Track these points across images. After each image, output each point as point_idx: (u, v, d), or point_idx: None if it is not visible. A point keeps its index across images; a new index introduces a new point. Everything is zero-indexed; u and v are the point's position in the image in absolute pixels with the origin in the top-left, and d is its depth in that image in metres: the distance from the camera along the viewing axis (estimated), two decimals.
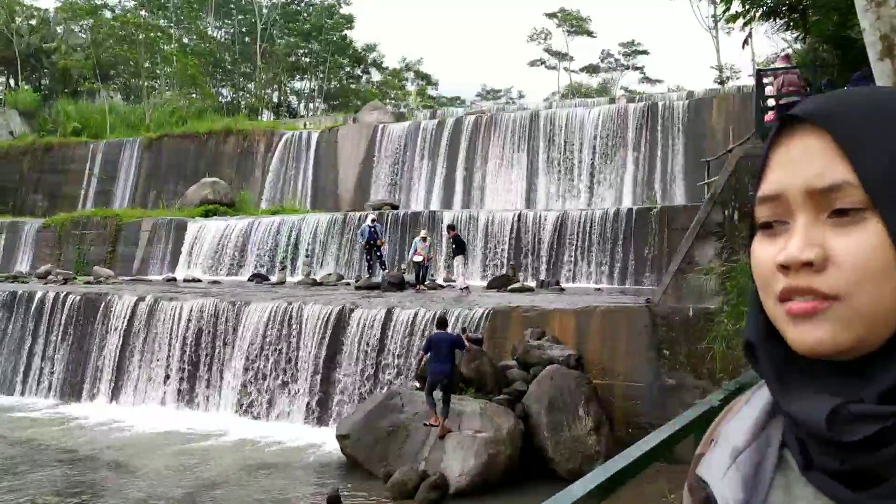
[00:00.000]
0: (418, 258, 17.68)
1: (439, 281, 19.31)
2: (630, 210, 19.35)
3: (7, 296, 17.35)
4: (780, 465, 0.77)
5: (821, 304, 0.70)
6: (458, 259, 17.59)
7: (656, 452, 2.20)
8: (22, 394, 16.07)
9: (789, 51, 22.89)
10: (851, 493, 0.69)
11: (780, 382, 0.75)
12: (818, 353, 0.70)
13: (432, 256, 19.38)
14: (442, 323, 10.99)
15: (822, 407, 0.69)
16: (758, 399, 0.82)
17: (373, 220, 19.43)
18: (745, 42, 10.89)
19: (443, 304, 13.83)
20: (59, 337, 16.26)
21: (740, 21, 9.91)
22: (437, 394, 10.43)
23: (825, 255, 0.70)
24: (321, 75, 55.91)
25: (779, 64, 16.77)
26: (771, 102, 12.73)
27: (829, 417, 0.68)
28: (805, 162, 0.72)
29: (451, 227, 18.06)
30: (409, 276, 18.34)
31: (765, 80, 13.13)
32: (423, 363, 10.91)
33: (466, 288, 17.02)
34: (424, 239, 18.05)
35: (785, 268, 0.71)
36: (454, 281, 19.32)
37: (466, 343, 11.07)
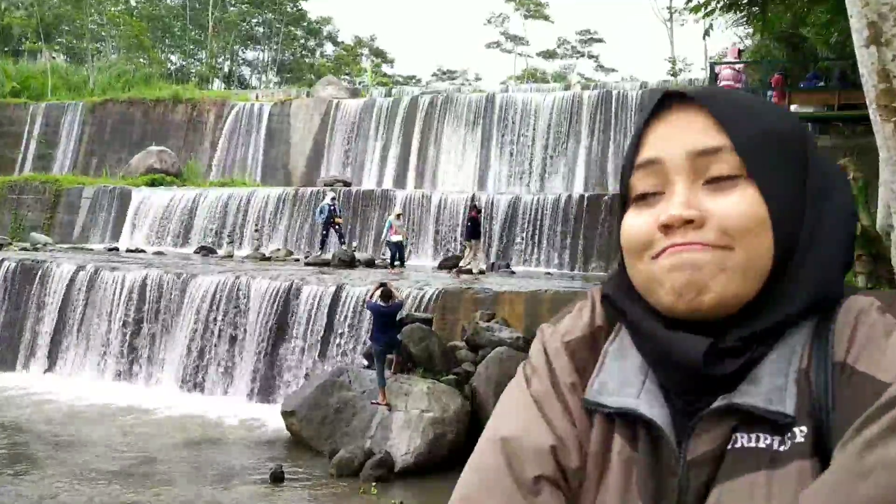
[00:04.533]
0: (396, 237, 16.95)
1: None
2: (581, 196, 19.52)
3: None
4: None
5: (703, 247, 0.74)
6: (475, 242, 16.56)
7: None
8: None
9: (741, 45, 23.34)
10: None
11: (650, 328, 0.79)
12: (696, 304, 0.74)
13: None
14: (386, 296, 10.79)
15: (698, 344, 0.73)
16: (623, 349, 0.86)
17: (332, 199, 19.11)
18: (706, 33, 11.04)
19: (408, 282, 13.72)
20: None
21: (700, 12, 10.00)
22: (388, 372, 10.41)
23: (704, 217, 0.75)
24: (275, 46, 54.82)
25: (730, 57, 17.10)
26: None
27: (708, 351, 0.73)
28: (688, 132, 0.78)
29: (474, 208, 16.98)
30: (363, 255, 18.07)
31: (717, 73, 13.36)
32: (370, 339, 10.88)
33: (481, 271, 16.31)
34: (399, 217, 17.37)
35: (667, 228, 0.75)
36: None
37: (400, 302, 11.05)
